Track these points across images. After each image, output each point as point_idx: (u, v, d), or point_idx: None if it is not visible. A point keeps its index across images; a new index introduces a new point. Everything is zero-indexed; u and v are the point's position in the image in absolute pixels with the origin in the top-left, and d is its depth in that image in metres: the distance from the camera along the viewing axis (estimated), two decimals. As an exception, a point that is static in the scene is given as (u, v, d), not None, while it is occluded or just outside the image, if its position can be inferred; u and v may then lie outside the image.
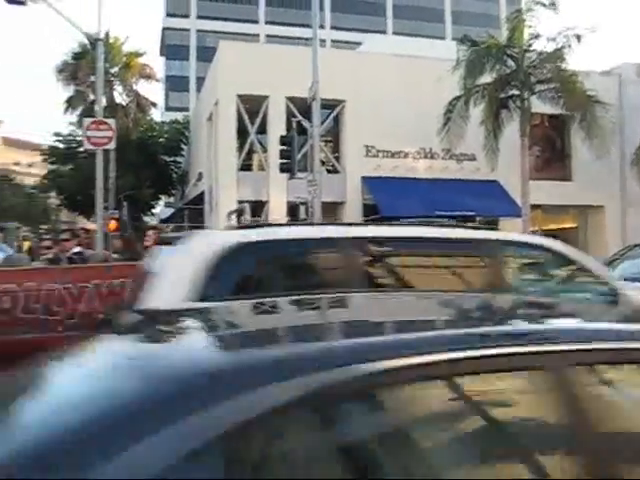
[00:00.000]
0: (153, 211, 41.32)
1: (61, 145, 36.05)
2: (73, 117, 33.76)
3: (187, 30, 63.90)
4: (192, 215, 29.99)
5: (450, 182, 24.38)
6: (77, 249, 8.30)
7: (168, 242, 5.37)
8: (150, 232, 8.37)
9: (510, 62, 22.56)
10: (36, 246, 11.52)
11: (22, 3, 18.90)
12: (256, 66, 23.16)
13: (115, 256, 8.61)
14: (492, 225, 23.94)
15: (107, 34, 26.02)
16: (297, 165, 18.68)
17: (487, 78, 22.42)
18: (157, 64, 64.17)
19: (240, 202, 24.01)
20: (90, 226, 24.44)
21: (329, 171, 24.11)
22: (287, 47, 30.09)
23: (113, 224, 21.17)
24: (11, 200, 57.56)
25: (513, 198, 24.05)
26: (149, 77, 35.78)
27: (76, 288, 7.32)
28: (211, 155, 26.33)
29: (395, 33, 56.30)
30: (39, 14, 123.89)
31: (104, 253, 8.87)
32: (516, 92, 22.57)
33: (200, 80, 46.34)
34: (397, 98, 23.74)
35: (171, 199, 41.59)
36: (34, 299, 7.24)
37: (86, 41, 30.48)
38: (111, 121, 19.33)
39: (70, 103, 33.32)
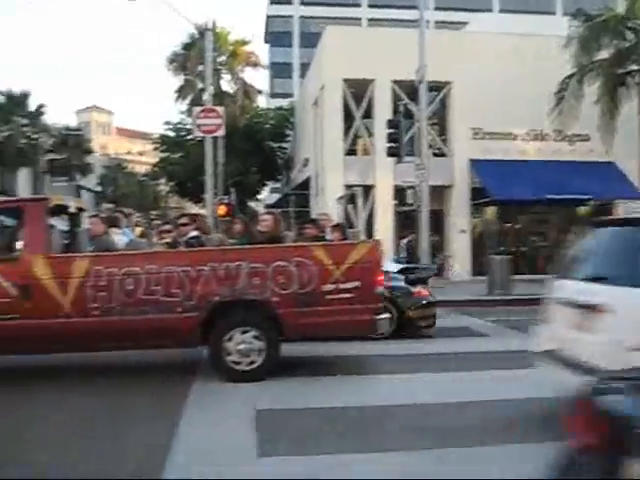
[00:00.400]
0: (258, 197, 42.03)
1: (171, 133, 37.25)
2: (184, 106, 34.74)
3: (290, 17, 64.43)
4: (298, 200, 30.30)
5: (562, 164, 23.42)
6: (194, 233, 8.52)
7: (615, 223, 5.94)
8: (267, 216, 8.48)
9: (630, 35, 21.36)
10: (148, 232, 11.95)
11: (134, -2, 19.67)
12: (361, 50, 23.03)
13: (230, 240, 8.79)
14: (607, 208, 22.95)
15: (214, 24, 26.54)
16: (404, 149, 18.49)
17: (603, 54, 21.37)
18: (263, 52, 65.08)
19: (348, 187, 24.08)
20: (199, 212, 25.13)
21: (436, 154, 23.69)
22: (392, 30, 29.68)
23: (223, 209, 21.69)
24: (124, 188, 60.20)
25: (631, 180, 22.94)
26: (255, 65, 36.29)
27: (194, 271, 7.52)
28: (317, 140, 26.46)
29: (502, 11, 54.61)
30: (150, 8, 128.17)
31: (219, 237, 9.06)
32: (636, 67, 21.38)
33: (304, 66, 46.63)
34: (505, 78, 23.01)
35: (277, 185, 42.15)
36: (154, 281, 7.50)
37: (195, 32, 31.43)
38: (220, 109, 19.79)
39: (180, 92, 34.27)
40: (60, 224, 9.70)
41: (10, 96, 37.30)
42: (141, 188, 63.26)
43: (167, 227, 8.84)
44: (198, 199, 34.85)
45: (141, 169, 69.25)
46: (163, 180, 48.10)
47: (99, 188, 56.88)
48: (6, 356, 8.67)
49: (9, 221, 9.03)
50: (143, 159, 70.81)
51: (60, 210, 8.70)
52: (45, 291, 7.51)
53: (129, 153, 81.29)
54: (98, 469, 4.85)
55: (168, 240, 8.37)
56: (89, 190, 51.27)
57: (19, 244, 8.26)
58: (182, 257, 7.80)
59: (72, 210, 9.13)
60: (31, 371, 8.82)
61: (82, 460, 5.07)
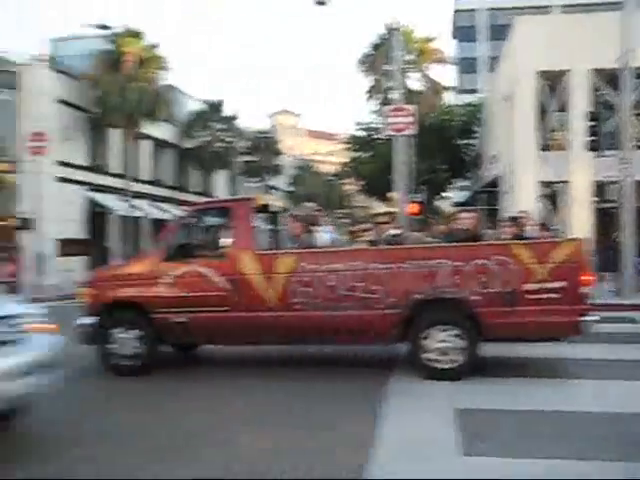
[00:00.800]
0: (443, 194, 41.52)
1: (362, 133, 37.95)
2: (374, 106, 35.17)
3: (476, 10, 63.19)
4: (487, 198, 29.61)
5: None
6: (395, 231, 8.61)
7: None
8: (467, 215, 8.44)
9: None
10: (339, 230, 12.27)
11: (323, 3, 20.31)
12: (556, 39, 21.96)
13: (428, 238, 8.80)
14: None
15: (400, 23, 26.54)
16: (604, 142, 17.45)
17: None
18: (451, 48, 64.46)
19: (541, 184, 23.13)
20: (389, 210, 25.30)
21: (640, 147, 22.06)
22: (589, 15, 27.88)
23: (415, 207, 21.63)
24: (312, 188, 62.16)
25: None
26: (440, 61, 35.92)
27: (396, 268, 7.60)
28: (508, 136, 25.64)
29: None
30: (338, 11, 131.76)
31: (417, 236, 9.10)
32: None
33: (493, 60, 45.39)
34: None
35: (465, 182, 41.41)
36: (356, 278, 7.66)
37: (384, 32, 31.82)
38: (411, 107, 19.84)
39: (371, 93, 34.72)
40: (262, 223, 10.22)
41: (209, 104, 39.91)
42: (329, 187, 64.88)
43: (366, 226, 9.02)
44: (384, 198, 35.09)
45: (325, 169, 71.15)
46: (349, 179, 49.00)
47: (291, 188, 59.19)
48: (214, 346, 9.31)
49: (217, 220, 9.65)
50: (333, 159, 72.69)
51: (262, 209, 9.10)
52: (251, 286, 7.95)
53: (315, 153, 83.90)
54: (309, 463, 5.00)
55: (369, 238, 8.53)
56: (279, 190, 53.52)
57: (224, 241, 8.78)
58: (384, 255, 7.88)
59: (274, 209, 9.54)
60: (236, 361, 9.38)
61: (286, 454, 5.24)
